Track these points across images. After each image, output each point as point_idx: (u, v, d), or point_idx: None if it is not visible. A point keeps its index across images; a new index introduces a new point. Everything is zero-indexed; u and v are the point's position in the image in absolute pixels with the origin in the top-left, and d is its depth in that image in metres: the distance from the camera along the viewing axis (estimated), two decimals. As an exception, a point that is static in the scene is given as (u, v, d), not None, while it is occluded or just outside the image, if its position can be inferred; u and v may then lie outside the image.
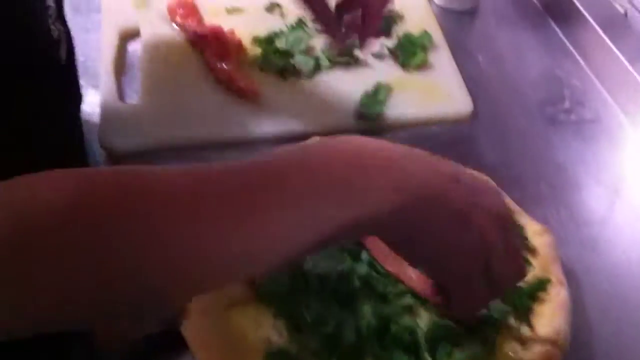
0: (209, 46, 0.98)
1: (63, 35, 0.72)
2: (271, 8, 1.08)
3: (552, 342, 0.67)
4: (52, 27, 0.69)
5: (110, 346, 0.69)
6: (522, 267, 0.62)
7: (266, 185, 0.49)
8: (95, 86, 0.94)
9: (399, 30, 1.06)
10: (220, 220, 0.47)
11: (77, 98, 0.82)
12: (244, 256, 0.48)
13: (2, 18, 0.57)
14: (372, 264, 0.72)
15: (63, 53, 0.72)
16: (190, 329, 0.66)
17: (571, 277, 0.76)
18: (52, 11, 0.69)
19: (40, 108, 0.66)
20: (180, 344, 0.66)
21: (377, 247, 0.73)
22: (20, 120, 0.62)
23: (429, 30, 1.06)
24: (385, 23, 1.06)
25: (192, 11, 1.04)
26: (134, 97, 0.95)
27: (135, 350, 0.68)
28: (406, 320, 0.68)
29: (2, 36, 0.57)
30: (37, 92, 0.66)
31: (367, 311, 0.67)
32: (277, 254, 0.50)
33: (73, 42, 0.77)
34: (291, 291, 0.69)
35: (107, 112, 0.90)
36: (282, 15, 1.07)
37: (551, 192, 0.88)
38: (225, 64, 0.96)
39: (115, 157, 0.88)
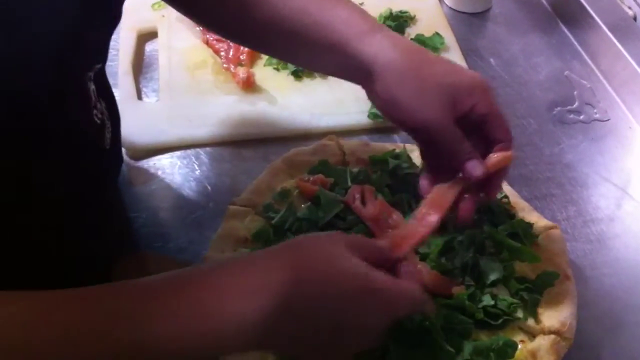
0: (225, 47, 1.01)
1: (106, 113, 0.72)
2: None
3: (558, 333, 0.69)
4: (95, 111, 0.68)
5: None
6: None
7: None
8: (114, 86, 0.96)
9: (411, 32, 1.08)
10: None
11: (119, 167, 0.86)
12: None
13: (45, 114, 0.58)
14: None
15: (108, 135, 0.72)
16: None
17: (578, 271, 0.78)
18: (93, 96, 0.68)
19: (83, 187, 0.68)
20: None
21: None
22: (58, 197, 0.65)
23: (441, 32, 1.07)
24: (398, 25, 1.08)
25: (209, 13, 1.06)
26: (151, 97, 0.98)
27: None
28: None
29: (45, 128, 0.59)
30: (82, 177, 0.67)
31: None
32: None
33: (118, 114, 0.79)
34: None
35: (125, 111, 0.92)
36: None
37: (560, 190, 0.89)
38: (240, 65, 0.99)
39: (133, 154, 0.90)
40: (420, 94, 0.67)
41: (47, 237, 0.65)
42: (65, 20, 0.57)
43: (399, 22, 1.09)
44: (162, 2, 1.09)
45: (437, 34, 1.07)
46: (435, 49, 1.05)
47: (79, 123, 0.65)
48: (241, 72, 0.97)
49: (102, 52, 0.71)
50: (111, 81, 0.93)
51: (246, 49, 1.00)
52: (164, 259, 0.77)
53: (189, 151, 0.91)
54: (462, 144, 0.68)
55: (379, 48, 0.68)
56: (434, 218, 0.68)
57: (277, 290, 0.54)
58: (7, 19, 0.51)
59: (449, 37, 1.08)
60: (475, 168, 0.68)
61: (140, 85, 0.99)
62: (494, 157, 0.69)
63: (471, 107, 0.68)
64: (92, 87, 0.67)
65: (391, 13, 1.11)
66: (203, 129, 0.92)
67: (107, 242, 0.78)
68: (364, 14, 0.73)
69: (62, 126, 0.61)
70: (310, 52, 0.74)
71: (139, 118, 0.93)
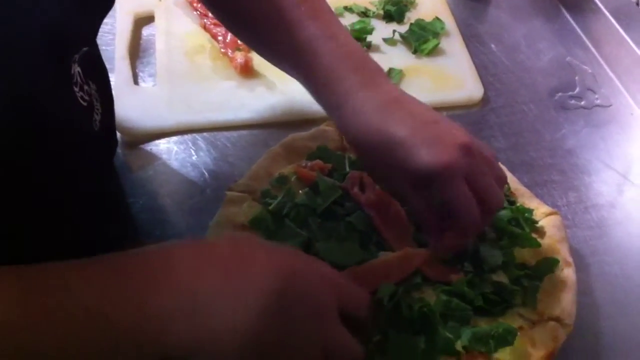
0: (222, 32, 1.00)
1: (95, 95, 0.70)
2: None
3: (557, 321, 0.69)
4: (81, 94, 0.65)
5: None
6: None
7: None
8: (110, 70, 0.95)
9: (411, 16, 1.07)
10: None
11: (112, 152, 0.84)
12: None
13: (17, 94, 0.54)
14: (382, 245, 0.73)
15: (97, 117, 0.70)
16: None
17: (578, 258, 0.77)
18: (78, 78, 0.64)
19: (73, 173, 0.66)
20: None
21: (388, 229, 0.75)
22: (53, 184, 0.63)
23: (441, 17, 1.06)
24: (398, 9, 1.07)
25: (207, -3, 1.05)
26: (148, 82, 0.97)
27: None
28: (415, 297, 0.69)
29: (20, 111, 0.55)
30: (69, 161, 0.65)
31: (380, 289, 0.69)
32: None
33: (110, 87, 0.77)
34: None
35: (121, 96, 0.92)
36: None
37: (561, 176, 0.89)
38: (238, 50, 0.98)
39: (130, 140, 0.89)
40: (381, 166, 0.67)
41: (41, 222, 0.64)
42: (54, 4, 0.56)
43: (398, 6, 1.08)
44: (160, -14, 1.08)
45: (438, 18, 1.06)
46: (435, 34, 1.04)
47: (59, 104, 0.63)
48: (239, 56, 0.96)
49: (91, 36, 0.70)
50: (107, 65, 0.92)
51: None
52: None
53: (186, 136, 0.90)
54: (422, 215, 0.68)
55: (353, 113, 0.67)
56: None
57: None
58: None
59: (449, 22, 1.07)
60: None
61: (137, 70, 0.98)
62: (447, 240, 0.69)
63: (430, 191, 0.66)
64: (78, 69, 0.66)
65: (391, -3, 1.10)
66: (200, 114, 0.92)
67: (105, 228, 0.77)
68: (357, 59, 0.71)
69: (42, 107, 0.59)
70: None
71: (136, 103, 0.92)
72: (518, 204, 0.78)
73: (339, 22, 0.73)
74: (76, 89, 0.65)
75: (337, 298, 0.58)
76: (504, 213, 0.76)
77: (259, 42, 0.79)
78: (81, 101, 0.66)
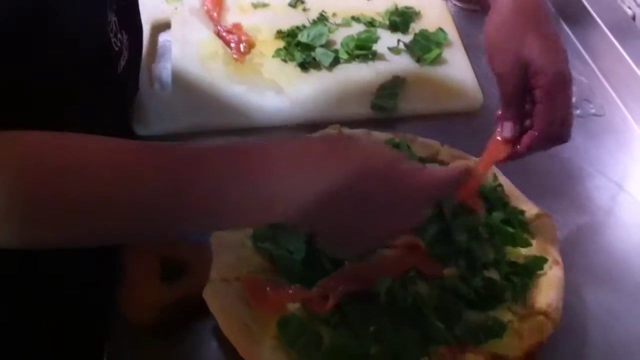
0: (235, 39, 1.05)
1: (125, 43, 0.77)
2: (295, 4, 1.14)
3: (544, 314, 0.72)
4: (114, 39, 0.73)
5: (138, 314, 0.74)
6: None
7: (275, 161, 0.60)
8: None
9: (416, 27, 1.12)
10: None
11: (133, 93, 0.92)
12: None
13: (59, 37, 0.63)
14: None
15: (123, 61, 0.77)
16: (211, 294, 0.72)
17: (568, 259, 0.80)
18: (113, 24, 0.73)
19: (94, 113, 0.71)
20: (202, 307, 0.72)
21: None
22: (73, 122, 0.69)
23: (445, 28, 1.11)
24: (403, 20, 1.12)
25: (220, 7, 1.10)
26: (164, 86, 1.01)
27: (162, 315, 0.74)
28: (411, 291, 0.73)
29: (59, 52, 0.63)
30: (92, 100, 0.71)
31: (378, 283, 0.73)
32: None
33: (141, 41, 0.86)
34: (306, 269, 0.75)
35: (138, 99, 0.97)
36: (304, 10, 1.13)
37: (555, 183, 0.93)
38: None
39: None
40: (501, 51, 0.78)
41: None
42: None
43: (404, 17, 1.12)
44: (176, -5, 1.14)
45: (441, 29, 1.10)
46: (438, 44, 1.08)
47: (94, 42, 0.71)
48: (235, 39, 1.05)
49: None
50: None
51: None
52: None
53: (198, 139, 0.94)
54: (509, 102, 0.78)
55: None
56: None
57: (334, 179, 0.58)
58: None
59: (452, 33, 1.11)
60: (505, 129, 0.79)
61: (153, 75, 1.03)
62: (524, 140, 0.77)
63: (532, 86, 0.75)
64: (114, 18, 0.74)
65: (397, 8, 1.14)
66: (213, 118, 0.96)
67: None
68: None
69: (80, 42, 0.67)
70: None
71: (152, 106, 0.96)
72: (511, 206, 0.82)
73: None
74: (111, 35, 0.73)
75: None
76: (497, 214, 0.80)
77: None
78: (115, 46, 0.74)
